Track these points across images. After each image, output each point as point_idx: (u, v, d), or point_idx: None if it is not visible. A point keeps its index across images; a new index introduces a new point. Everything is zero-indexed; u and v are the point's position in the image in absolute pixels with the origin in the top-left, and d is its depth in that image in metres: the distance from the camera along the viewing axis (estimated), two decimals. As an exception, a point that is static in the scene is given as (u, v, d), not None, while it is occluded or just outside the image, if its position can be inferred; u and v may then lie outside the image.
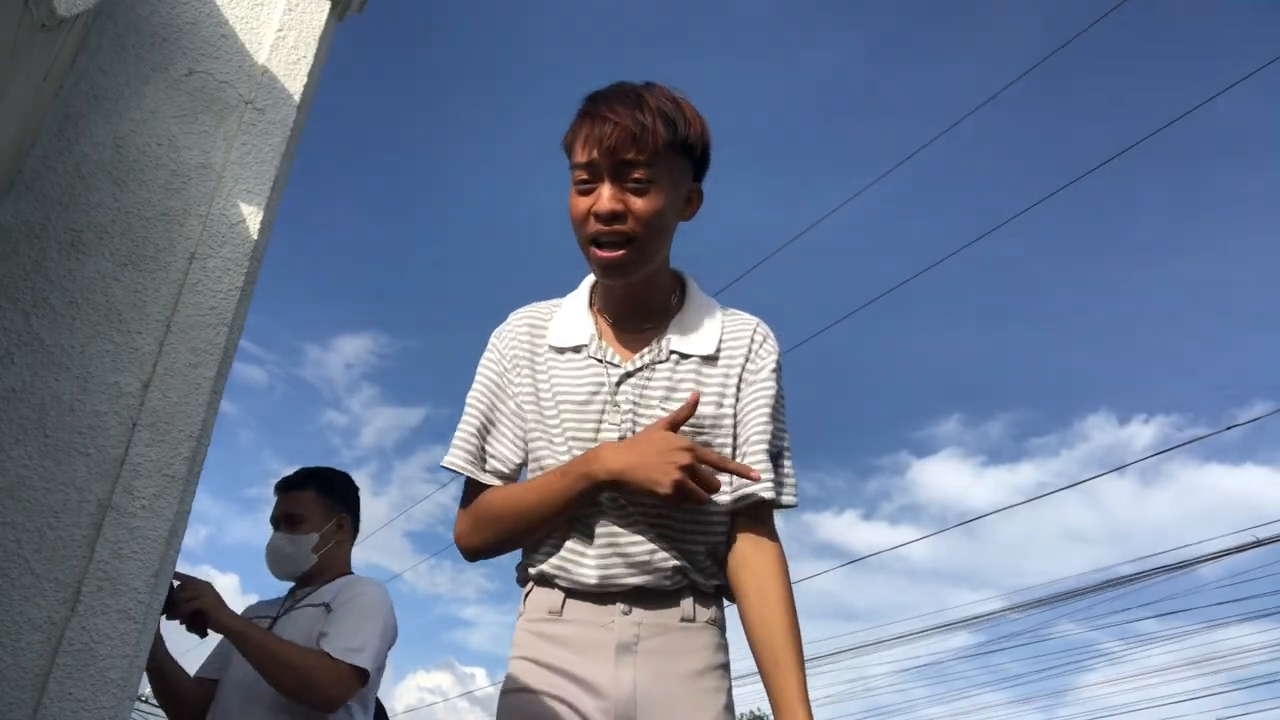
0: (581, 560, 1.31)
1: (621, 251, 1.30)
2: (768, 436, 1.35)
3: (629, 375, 1.36)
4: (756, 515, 1.35)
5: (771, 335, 1.45)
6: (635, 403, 1.34)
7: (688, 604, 1.31)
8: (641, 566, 1.29)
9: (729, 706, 1.27)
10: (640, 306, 1.41)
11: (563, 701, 1.25)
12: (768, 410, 1.37)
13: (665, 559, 1.30)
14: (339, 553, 2.34)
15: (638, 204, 1.29)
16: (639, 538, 1.31)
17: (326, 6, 1.90)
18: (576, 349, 1.39)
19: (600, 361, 1.37)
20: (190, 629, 1.95)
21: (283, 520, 2.31)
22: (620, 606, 1.30)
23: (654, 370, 1.36)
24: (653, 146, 1.28)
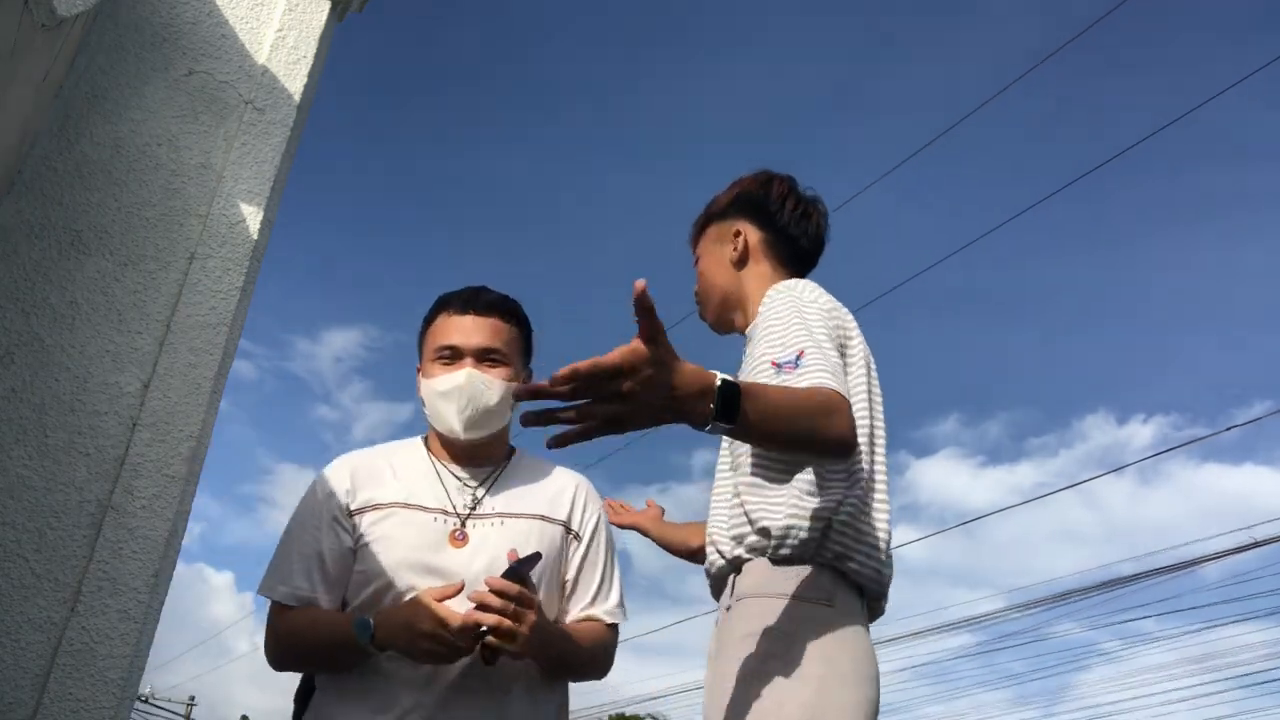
0: None
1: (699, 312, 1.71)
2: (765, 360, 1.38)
3: None
4: None
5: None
6: None
7: (728, 587, 1.36)
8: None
9: (764, 672, 1.20)
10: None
11: None
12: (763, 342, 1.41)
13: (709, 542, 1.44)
14: None
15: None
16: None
17: (326, 6, 1.90)
18: None
19: None
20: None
21: (477, 354, 1.55)
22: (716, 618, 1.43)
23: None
24: (692, 236, 1.72)
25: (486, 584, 1.33)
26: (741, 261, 1.60)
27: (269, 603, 1.47)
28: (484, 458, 1.60)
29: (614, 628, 1.59)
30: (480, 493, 1.56)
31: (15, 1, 1.33)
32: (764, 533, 1.29)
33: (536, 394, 0.94)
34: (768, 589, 1.27)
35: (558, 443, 0.97)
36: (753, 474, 1.35)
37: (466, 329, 1.56)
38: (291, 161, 1.84)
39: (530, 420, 0.96)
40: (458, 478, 1.57)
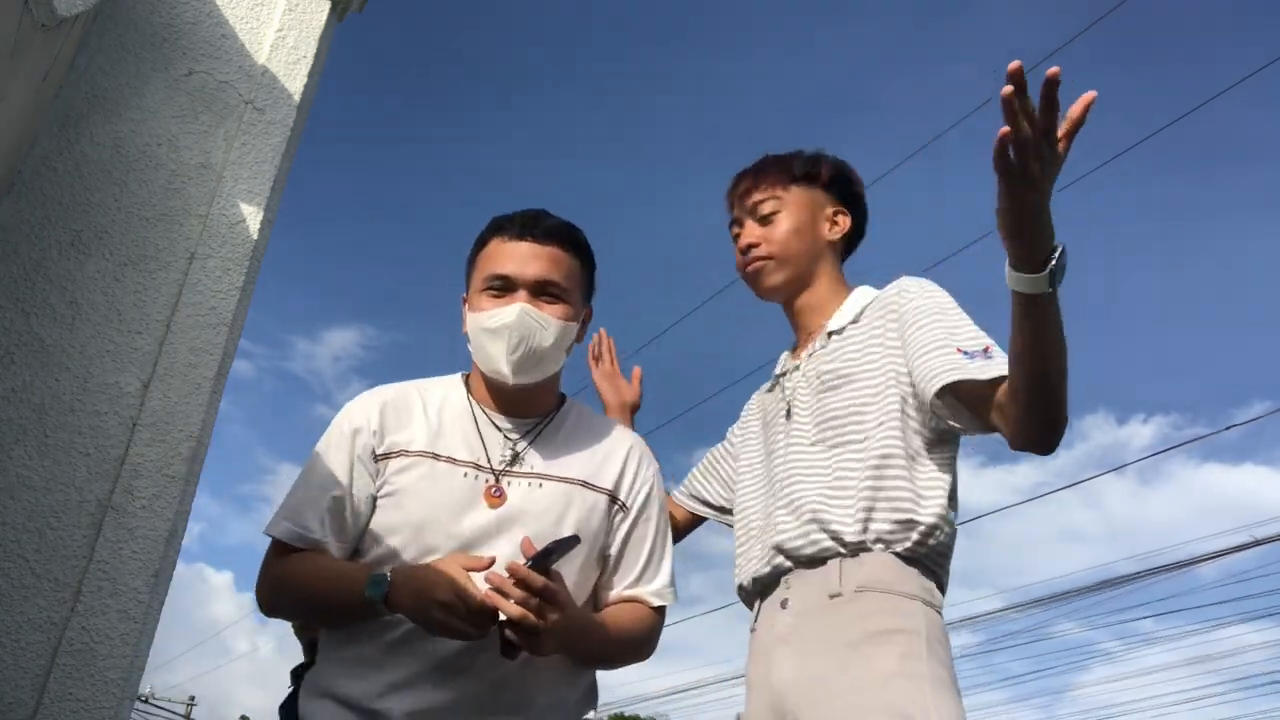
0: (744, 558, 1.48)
1: (759, 264, 1.56)
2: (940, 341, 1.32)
3: (795, 369, 1.53)
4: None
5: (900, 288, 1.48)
6: (798, 388, 1.49)
7: (833, 572, 1.27)
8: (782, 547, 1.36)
9: (906, 673, 1.16)
10: (802, 312, 1.59)
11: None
12: (929, 328, 1.33)
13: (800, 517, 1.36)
14: None
15: (768, 230, 1.56)
16: (783, 509, 1.39)
17: (326, 6, 1.90)
18: (776, 378, 1.60)
19: (779, 376, 1.58)
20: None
21: (532, 288, 1.39)
22: (780, 597, 1.34)
23: (813, 357, 1.49)
24: (771, 181, 1.56)
25: (508, 570, 1.18)
26: (832, 245, 1.58)
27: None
28: (531, 406, 1.44)
29: (660, 610, 1.44)
30: (521, 445, 1.40)
31: (15, 1, 1.33)
32: (907, 524, 1.26)
33: (1021, 81, 0.96)
34: (898, 587, 1.23)
35: (1000, 144, 0.99)
36: (918, 453, 1.30)
37: (522, 257, 1.38)
38: (291, 161, 1.84)
39: (1009, 101, 0.97)
40: (499, 428, 1.41)
